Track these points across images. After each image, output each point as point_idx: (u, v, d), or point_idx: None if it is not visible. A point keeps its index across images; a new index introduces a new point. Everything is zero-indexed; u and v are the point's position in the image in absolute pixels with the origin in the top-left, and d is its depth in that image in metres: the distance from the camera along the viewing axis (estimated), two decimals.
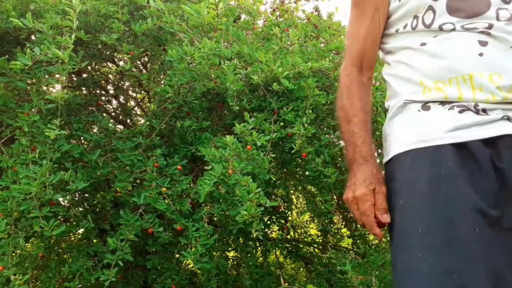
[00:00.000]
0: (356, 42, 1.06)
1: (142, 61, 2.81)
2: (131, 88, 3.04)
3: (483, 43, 0.86)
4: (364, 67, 1.06)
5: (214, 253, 2.12)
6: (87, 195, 2.36)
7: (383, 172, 1.00)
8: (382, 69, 1.08)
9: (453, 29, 0.89)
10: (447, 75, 0.88)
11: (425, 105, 0.91)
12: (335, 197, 2.66)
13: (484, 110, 0.86)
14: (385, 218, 0.93)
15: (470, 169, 0.83)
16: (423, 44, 0.92)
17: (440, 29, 0.90)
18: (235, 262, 3.05)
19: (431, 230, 0.80)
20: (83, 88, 2.55)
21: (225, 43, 2.31)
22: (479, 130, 0.85)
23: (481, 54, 0.86)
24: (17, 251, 1.77)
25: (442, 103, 0.89)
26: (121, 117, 2.83)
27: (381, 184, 0.96)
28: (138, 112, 3.19)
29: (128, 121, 2.89)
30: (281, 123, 2.06)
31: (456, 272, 0.76)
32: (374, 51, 1.06)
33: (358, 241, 2.74)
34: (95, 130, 2.19)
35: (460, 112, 0.87)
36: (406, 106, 0.95)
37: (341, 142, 2.34)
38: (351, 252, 2.77)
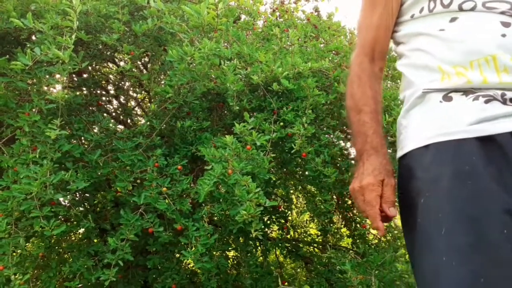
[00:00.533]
0: (368, 31, 1.02)
1: (142, 61, 2.81)
2: (131, 88, 3.05)
3: (506, 24, 0.81)
4: (376, 56, 1.02)
5: (214, 253, 2.12)
6: (87, 195, 2.37)
7: (397, 167, 0.95)
8: (396, 63, 1.03)
9: (474, 7, 0.84)
10: (468, 58, 0.83)
11: (447, 96, 0.85)
12: (335, 197, 2.66)
13: None
14: (392, 211, 0.88)
15: (498, 165, 0.77)
16: (441, 30, 0.87)
17: (460, 9, 0.85)
18: (235, 262, 3.05)
19: (456, 231, 0.75)
20: (84, 88, 2.56)
21: (225, 44, 2.31)
22: (507, 121, 0.78)
23: (504, 35, 0.81)
24: (18, 251, 1.78)
25: (466, 93, 0.83)
26: (121, 117, 2.84)
27: (390, 176, 0.91)
28: (139, 112, 3.20)
29: (129, 121, 2.90)
30: (281, 123, 2.07)
31: (482, 277, 0.70)
32: (387, 40, 1.02)
33: (357, 240, 2.75)
34: (95, 130, 2.19)
35: (486, 102, 0.80)
36: (425, 97, 0.89)
37: (341, 142, 2.34)
38: (351, 251, 2.78)
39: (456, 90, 0.84)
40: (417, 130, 0.89)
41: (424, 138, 0.86)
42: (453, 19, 0.87)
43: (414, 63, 0.93)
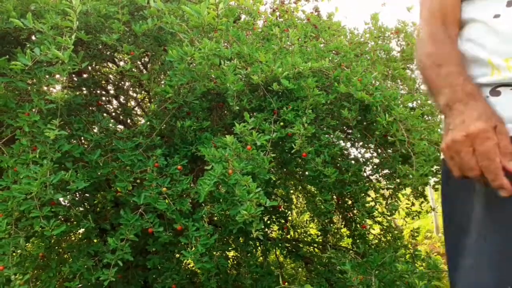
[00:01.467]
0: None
1: (142, 61, 2.81)
2: (131, 88, 3.05)
3: None
4: (448, 22, 0.92)
5: (214, 253, 2.12)
6: (87, 195, 2.37)
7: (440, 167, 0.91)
8: None
9: None
10: None
11: (495, 90, 0.80)
12: (335, 197, 2.66)
13: None
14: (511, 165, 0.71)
15: None
16: (496, 16, 0.83)
17: None
18: (235, 262, 3.05)
19: (489, 236, 0.72)
20: (84, 88, 2.56)
21: (225, 44, 2.31)
22: None
23: None
24: (18, 251, 1.78)
25: None
26: (121, 117, 2.84)
27: (503, 122, 0.74)
28: (139, 112, 3.20)
29: (129, 121, 2.90)
30: (281, 123, 2.07)
31: (510, 284, 0.67)
32: (457, 6, 0.92)
33: (357, 240, 2.74)
34: (95, 130, 2.19)
35: None
36: None
37: (341, 142, 2.34)
38: (351, 251, 2.78)
39: (505, 84, 0.79)
40: None
41: None
42: (510, 3, 0.82)
43: (464, 55, 0.89)
